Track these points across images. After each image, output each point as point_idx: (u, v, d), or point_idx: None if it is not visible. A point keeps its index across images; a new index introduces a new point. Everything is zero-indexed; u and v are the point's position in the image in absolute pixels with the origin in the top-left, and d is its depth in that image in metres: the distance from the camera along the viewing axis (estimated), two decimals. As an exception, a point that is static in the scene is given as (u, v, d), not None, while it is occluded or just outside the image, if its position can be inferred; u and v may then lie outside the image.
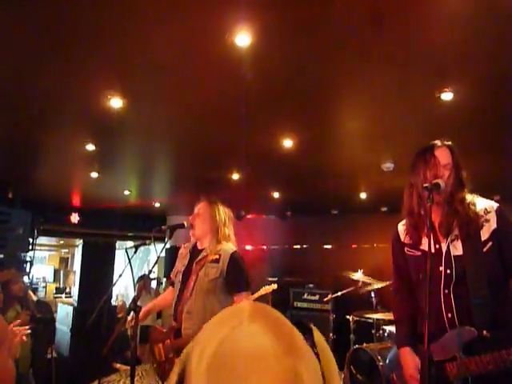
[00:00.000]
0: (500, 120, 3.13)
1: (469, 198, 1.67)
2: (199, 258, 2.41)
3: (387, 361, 2.11)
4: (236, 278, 2.32)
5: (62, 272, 13.97)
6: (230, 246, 2.42)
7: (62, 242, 12.61)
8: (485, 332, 1.51)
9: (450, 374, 1.57)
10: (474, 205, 1.65)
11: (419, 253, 1.75)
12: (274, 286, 4.22)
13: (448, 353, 1.59)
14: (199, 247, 2.51)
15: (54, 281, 13.06)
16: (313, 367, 0.54)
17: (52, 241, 12.36)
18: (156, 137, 3.86)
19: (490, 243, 1.59)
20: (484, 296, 1.55)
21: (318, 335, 0.61)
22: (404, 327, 1.84)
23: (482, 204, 1.66)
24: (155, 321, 6.51)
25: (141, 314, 2.45)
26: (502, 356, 1.44)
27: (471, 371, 1.51)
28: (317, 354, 0.57)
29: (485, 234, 1.60)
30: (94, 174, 5.05)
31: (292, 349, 0.52)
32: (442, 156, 1.68)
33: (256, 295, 4.13)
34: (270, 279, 7.54)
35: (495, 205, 1.66)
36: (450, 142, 1.73)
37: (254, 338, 0.52)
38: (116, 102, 2.87)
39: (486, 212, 1.63)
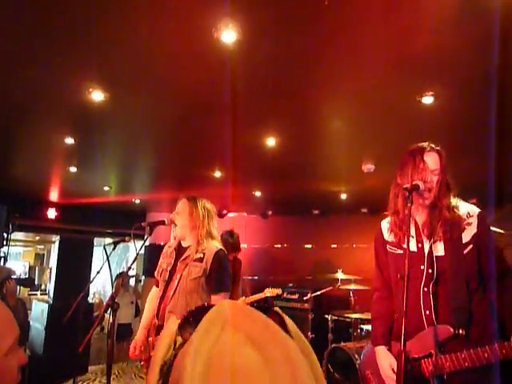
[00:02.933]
0: (479, 124, 3.21)
1: (453, 202, 1.72)
2: (184, 256, 2.39)
3: (362, 358, 2.13)
4: (217, 277, 2.30)
5: (37, 268, 13.66)
6: (214, 244, 2.39)
7: (37, 237, 12.32)
8: (461, 330, 1.56)
9: (426, 371, 1.60)
10: (458, 208, 1.70)
11: (401, 251, 1.78)
12: (279, 291, 4.16)
13: (424, 350, 1.62)
14: (184, 245, 2.48)
15: (29, 276, 12.76)
16: (307, 369, 0.53)
17: (28, 236, 12.07)
18: (137, 132, 3.80)
19: (471, 246, 1.65)
20: (462, 296, 1.60)
21: (290, 323, 0.61)
22: (380, 326, 1.87)
23: (466, 208, 1.72)
24: (134, 318, 6.45)
25: (141, 335, 2.45)
26: (477, 354, 1.49)
27: (447, 368, 1.55)
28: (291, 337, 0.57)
29: (466, 237, 1.66)
30: (73, 169, 4.96)
31: (286, 357, 0.51)
32: (432, 161, 1.71)
33: (258, 296, 4.09)
34: (249, 278, 7.58)
35: (477, 210, 1.71)
36: (438, 147, 1.76)
37: (241, 350, 0.51)
38: (97, 95, 2.81)
39: (469, 216, 1.69)
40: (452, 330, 1.57)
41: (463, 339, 1.55)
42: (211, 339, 0.52)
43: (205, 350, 0.50)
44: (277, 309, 0.62)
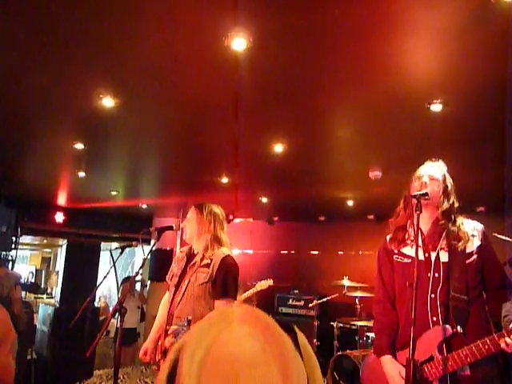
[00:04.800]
0: (487, 132, 3.20)
1: (458, 219, 1.81)
2: (192, 262, 2.42)
3: (361, 373, 2.12)
4: (222, 283, 2.29)
5: (43, 272, 13.72)
6: (222, 251, 2.39)
7: (45, 241, 12.39)
8: (458, 328, 1.61)
9: (429, 375, 1.61)
10: (463, 223, 1.79)
11: (409, 260, 1.81)
12: (270, 282, 4.19)
13: (425, 353, 1.63)
14: (194, 251, 2.51)
15: (35, 281, 12.82)
16: (300, 370, 0.55)
17: (35, 240, 12.14)
18: (146, 138, 3.84)
19: (475, 256, 1.72)
20: (463, 299, 1.65)
21: (300, 336, 0.63)
22: (385, 337, 1.87)
23: (471, 223, 1.82)
24: (139, 323, 6.45)
25: (152, 339, 2.46)
26: (478, 347, 1.51)
27: (450, 368, 1.56)
28: (300, 353, 0.59)
29: (470, 248, 1.73)
30: (82, 174, 4.99)
31: (281, 354, 0.53)
32: (428, 168, 1.85)
33: (252, 291, 4.16)
34: (254, 283, 7.55)
35: (481, 225, 1.82)
36: (438, 161, 1.91)
37: (242, 341, 0.53)
38: (107, 102, 2.84)
39: (473, 229, 1.78)
40: (450, 329, 1.61)
41: (461, 337, 1.59)
42: (215, 331, 0.54)
43: (206, 342, 0.52)
44: (295, 327, 0.65)
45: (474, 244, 1.73)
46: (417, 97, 2.70)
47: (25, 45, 2.27)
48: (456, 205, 1.82)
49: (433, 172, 1.83)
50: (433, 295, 1.69)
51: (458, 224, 1.77)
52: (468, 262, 1.70)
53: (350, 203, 6.09)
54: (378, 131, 3.40)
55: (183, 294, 2.32)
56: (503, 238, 3.55)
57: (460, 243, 1.71)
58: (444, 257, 1.74)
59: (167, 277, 2.57)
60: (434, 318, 1.67)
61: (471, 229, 1.77)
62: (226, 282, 2.30)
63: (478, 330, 1.60)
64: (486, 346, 1.49)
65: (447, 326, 1.62)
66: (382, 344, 1.86)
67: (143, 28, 2.10)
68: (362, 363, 2.13)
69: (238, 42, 2.08)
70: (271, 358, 0.52)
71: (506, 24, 1.89)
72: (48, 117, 3.34)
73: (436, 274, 1.71)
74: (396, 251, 1.89)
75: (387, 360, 1.79)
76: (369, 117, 3.13)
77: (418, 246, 1.65)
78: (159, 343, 2.37)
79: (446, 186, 1.81)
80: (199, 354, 0.52)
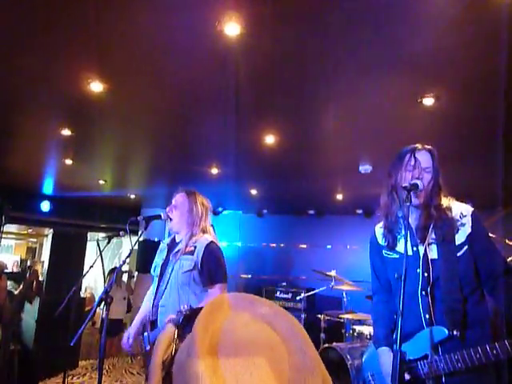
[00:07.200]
0: (478, 128, 3.22)
1: (445, 202, 1.70)
2: (175, 250, 2.38)
3: (363, 360, 2.12)
4: (210, 269, 2.27)
5: (28, 262, 13.57)
6: (206, 237, 2.36)
7: (30, 230, 12.24)
8: (455, 331, 1.55)
9: (422, 373, 1.60)
10: (450, 209, 1.68)
11: (397, 255, 1.77)
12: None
13: (420, 351, 1.62)
14: (177, 240, 2.47)
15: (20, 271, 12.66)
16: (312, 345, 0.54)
17: (20, 229, 11.98)
18: (135, 125, 3.77)
19: (466, 247, 1.62)
20: (455, 298, 1.59)
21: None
22: (382, 327, 1.85)
23: (458, 208, 1.69)
24: (125, 314, 6.41)
25: (135, 328, 2.41)
26: (470, 355, 1.48)
27: (441, 370, 1.54)
28: None
29: (460, 238, 1.63)
30: (69, 161, 4.91)
31: (291, 330, 0.53)
32: (423, 159, 1.70)
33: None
34: (243, 276, 7.57)
35: (470, 209, 1.68)
36: (430, 146, 1.75)
37: (250, 327, 0.52)
38: (96, 86, 2.78)
39: (462, 216, 1.66)
40: (446, 331, 1.56)
41: (459, 341, 1.54)
42: (216, 321, 0.52)
43: (210, 330, 0.51)
44: None
45: (464, 233, 1.63)
46: (409, 90, 2.70)
47: (12, 28, 2.20)
48: (440, 188, 1.69)
49: (427, 161, 1.70)
50: (423, 292, 1.64)
51: (444, 207, 1.67)
52: (459, 255, 1.61)
53: (340, 197, 6.11)
54: (369, 124, 3.39)
55: (167, 282, 2.29)
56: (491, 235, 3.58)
57: (448, 236, 1.63)
58: (433, 253, 1.66)
59: (152, 269, 2.54)
60: (427, 316, 1.62)
61: (460, 215, 1.66)
62: (214, 268, 2.28)
63: (476, 328, 1.56)
64: (477, 355, 1.46)
65: (443, 328, 1.57)
66: (378, 335, 1.85)
67: (134, 12, 2.04)
68: (365, 354, 2.13)
69: (231, 28, 2.04)
70: (285, 337, 0.52)
71: (500, 17, 1.89)
72: (34, 101, 3.25)
73: (425, 273, 1.65)
74: (384, 245, 1.84)
75: (383, 351, 1.77)
76: (361, 110, 3.11)
77: (407, 241, 1.59)
78: (145, 334, 2.34)
79: (437, 173, 1.69)
80: (207, 341, 0.50)
